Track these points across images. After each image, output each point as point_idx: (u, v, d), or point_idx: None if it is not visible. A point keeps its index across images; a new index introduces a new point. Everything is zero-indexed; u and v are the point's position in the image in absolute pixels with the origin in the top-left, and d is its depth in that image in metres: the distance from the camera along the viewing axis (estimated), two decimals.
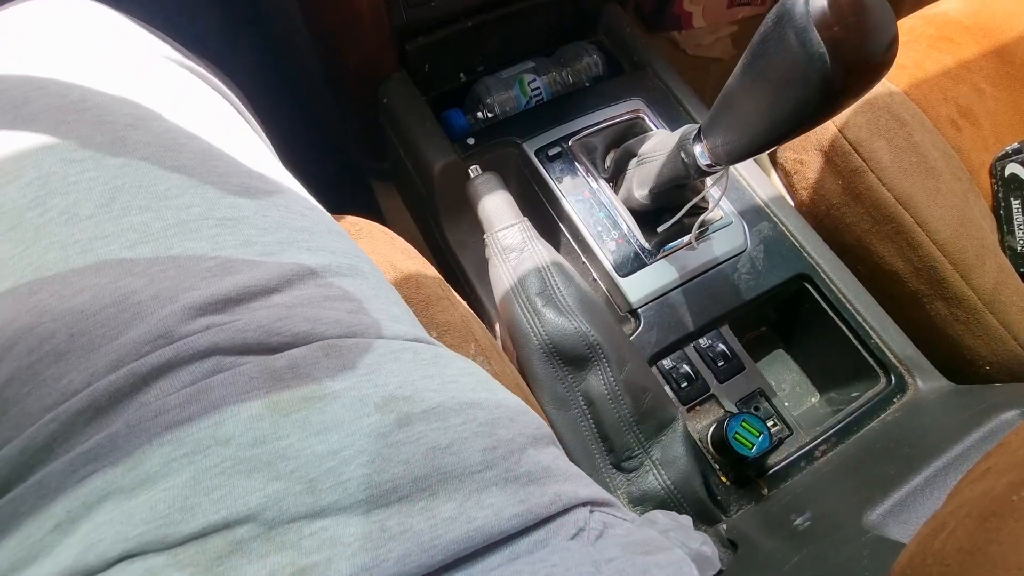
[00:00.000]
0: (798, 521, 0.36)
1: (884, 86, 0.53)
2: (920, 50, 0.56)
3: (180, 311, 0.21)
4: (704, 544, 0.24)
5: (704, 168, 0.42)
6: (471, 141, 0.57)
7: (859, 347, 0.50)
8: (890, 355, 0.49)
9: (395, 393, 0.22)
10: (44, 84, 0.25)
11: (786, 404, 0.50)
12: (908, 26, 0.59)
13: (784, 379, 0.55)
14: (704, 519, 0.42)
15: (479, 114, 0.62)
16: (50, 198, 0.22)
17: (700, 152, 0.41)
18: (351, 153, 0.76)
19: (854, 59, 0.28)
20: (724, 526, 0.42)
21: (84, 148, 0.23)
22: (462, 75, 0.64)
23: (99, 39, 0.29)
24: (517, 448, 0.23)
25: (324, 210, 0.32)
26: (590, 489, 0.24)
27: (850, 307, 0.51)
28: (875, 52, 0.29)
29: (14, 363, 0.19)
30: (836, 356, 0.52)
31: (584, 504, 0.23)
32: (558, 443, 0.27)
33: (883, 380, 0.49)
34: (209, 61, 0.45)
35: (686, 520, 0.26)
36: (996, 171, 0.54)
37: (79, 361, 0.19)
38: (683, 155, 0.43)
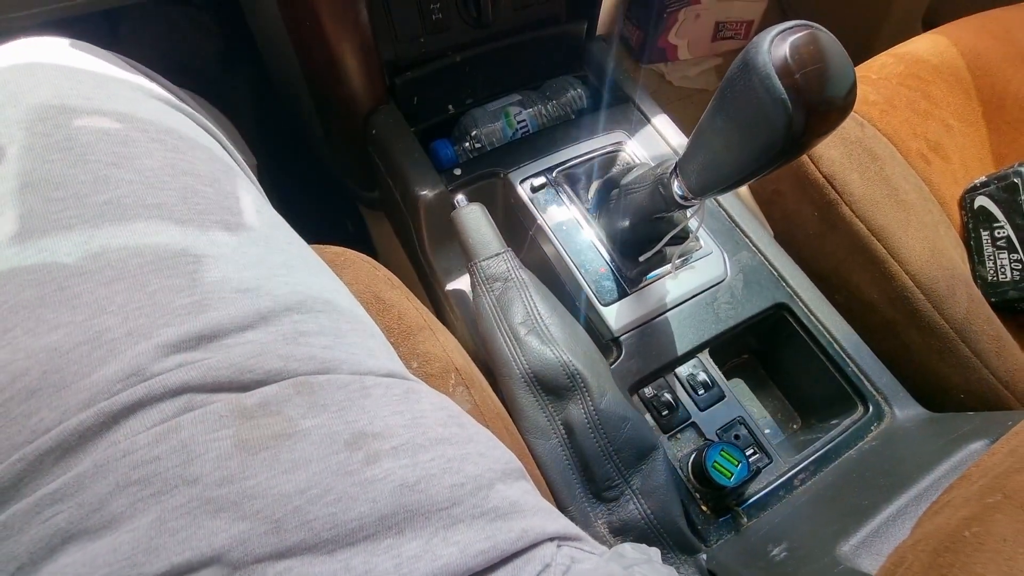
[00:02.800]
0: (775, 552, 0.36)
1: (857, 121, 0.55)
2: (891, 87, 0.58)
3: (153, 348, 0.21)
4: None
5: (680, 201, 0.43)
6: (458, 172, 0.58)
7: (837, 375, 0.51)
8: (867, 383, 0.50)
9: (365, 430, 0.22)
10: (30, 124, 0.26)
11: (766, 432, 0.50)
12: (879, 63, 0.61)
13: (764, 406, 0.55)
14: (684, 549, 0.42)
15: (466, 145, 0.63)
16: (29, 236, 0.23)
17: (677, 186, 0.42)
18: (342, 182, 0.77)
19: (814, 104, 0.30)
20: (704, 556, 0.42)
21: (66, 187, 0.24)
22: (450, 107, 0.66)
23: (86, 79, 0.30)
24: (486, 483, 0.23)
25: (305, 243, 0.32)
26: (558, 523, 0.24)
27: (828, 336, 0.52)
28: (835, 97, 0.30)
29: None
30: (815, 384, 0.53)
31: (552, 539, 0.24)
32: (528, 477, 0.27)
33: (861, 408, 0.50)
34: (206, 94, 0.46)
35: (655, 553, 0.26)
36: (966, 203, 0.55)
37: (50, 399, 0.20)
38: (661, 188, 0.44)
